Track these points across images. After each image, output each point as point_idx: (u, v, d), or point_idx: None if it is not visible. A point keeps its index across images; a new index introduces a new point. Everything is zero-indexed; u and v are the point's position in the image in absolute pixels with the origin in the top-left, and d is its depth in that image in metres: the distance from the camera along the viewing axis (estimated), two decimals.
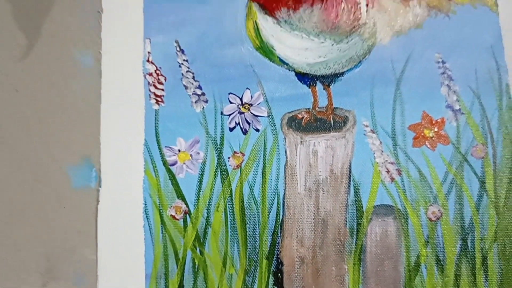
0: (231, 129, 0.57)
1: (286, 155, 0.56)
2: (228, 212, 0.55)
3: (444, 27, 0.57)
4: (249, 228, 0.54)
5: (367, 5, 0.58)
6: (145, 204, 0.55)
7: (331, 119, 0.57)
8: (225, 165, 0.56)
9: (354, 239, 0.54)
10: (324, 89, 0.57)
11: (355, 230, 0.54)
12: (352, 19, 0.57)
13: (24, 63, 0.57)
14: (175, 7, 0.58)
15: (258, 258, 0.54)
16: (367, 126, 0.56)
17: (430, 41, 0.57)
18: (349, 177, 0.55)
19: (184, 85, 0.57)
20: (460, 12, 0.58)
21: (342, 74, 0.57)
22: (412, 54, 0.57)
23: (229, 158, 0.56)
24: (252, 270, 0.54)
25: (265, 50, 0.57)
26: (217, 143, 0.56)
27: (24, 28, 0.57)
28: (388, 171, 0.55)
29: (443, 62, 0.57)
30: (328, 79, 0.57)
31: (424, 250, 0.53)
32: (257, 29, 0.57)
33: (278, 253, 0.55)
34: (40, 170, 0.54)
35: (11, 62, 0.57)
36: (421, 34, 0.57)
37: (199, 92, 0.57)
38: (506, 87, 0.56)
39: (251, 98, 0.57)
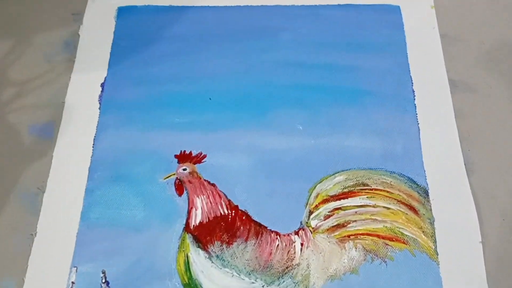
0: None
1: None
2: None
3: (381, 274, 0.55)
4: None
5: (301, 244, 0.56)
6: None
7: None
8: None
9: None
10: None
11: None
12: (286, 258, 0.56)
13: None
14: (108, 233, 0.58)
15: None
16: None
17: None
18: None
19: None
20: (398, 259, 0.55)
21: None
22: None
23: None
24: None
25: (193, 287, 0.55)
26: None
27: None
28: None
29: None
30: None
31: None
32: (187, 263, 0.56)
33: None
34: None
35: None
36: (357, 280, 0.55)
37: None
38: None
39: None
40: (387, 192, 0.59)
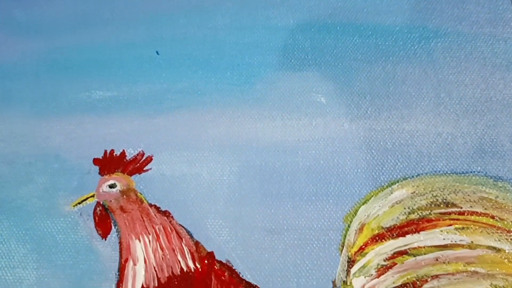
0: None
1: None
2: None
3: None
4: None
5: None
6: None
7: None
8: None
9: None
10: None
11: None
12: None
13: None
14: None
15: None
16: None
17: None
18: None
19: None
20: None
21: None
22: None
23: None
24: None
25: None
26: None
27: None
28: None
29: None
30: None
31: None
32: None
33: None
34: None
35: None
36: None
37: None
38: None
39: None
40: (492, 218, 0.31)
